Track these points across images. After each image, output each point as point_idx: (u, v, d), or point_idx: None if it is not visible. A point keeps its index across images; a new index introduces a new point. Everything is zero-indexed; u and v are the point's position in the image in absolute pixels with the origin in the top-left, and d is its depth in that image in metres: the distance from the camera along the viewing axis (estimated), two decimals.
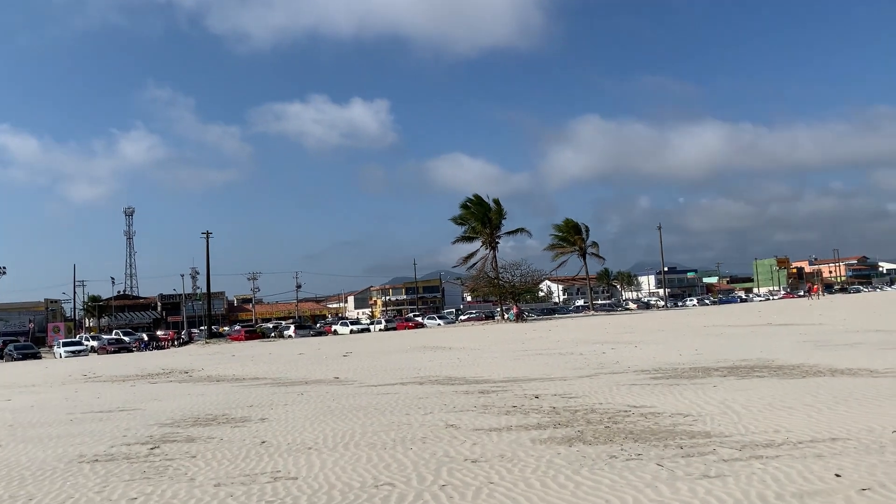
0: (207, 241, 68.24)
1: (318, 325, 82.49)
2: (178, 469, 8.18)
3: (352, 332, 64.86)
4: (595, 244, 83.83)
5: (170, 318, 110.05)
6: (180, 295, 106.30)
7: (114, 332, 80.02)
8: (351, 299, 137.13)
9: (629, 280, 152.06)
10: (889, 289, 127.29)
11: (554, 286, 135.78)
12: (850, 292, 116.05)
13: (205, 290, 72.27)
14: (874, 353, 16.83)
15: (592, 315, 74.00)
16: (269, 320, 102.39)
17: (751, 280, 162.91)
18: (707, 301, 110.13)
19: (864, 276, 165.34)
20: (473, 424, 10.00)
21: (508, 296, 70.19)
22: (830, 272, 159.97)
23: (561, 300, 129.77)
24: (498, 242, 68.99)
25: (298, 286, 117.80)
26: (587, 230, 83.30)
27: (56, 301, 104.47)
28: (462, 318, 78.88)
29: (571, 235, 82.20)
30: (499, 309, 73.27)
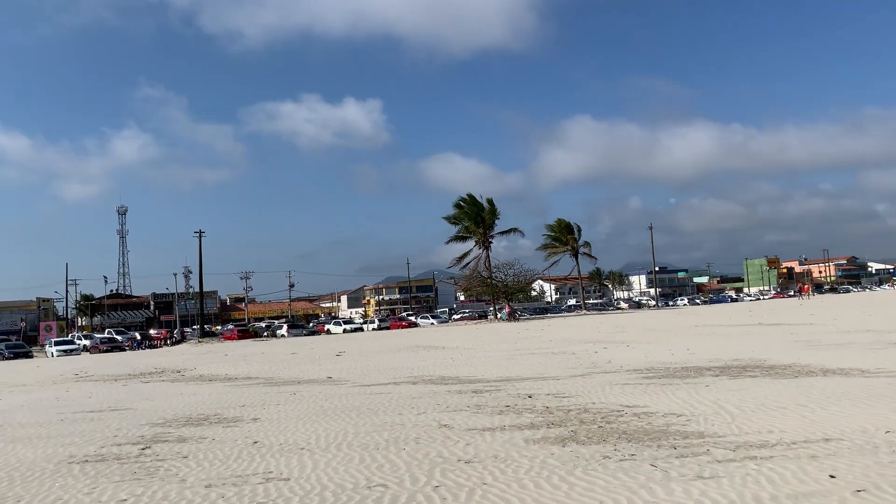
0: (200, 241, 68.09)
1: (311, 324, 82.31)
2: (169, 470, 8.12)
3: (345, 331, 64.70)
4: (587, 244, 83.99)
5: (162, 318, 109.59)
6: (173, 294, 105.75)
7: (106, 331, 79.67)
8: (344, 299, 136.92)
9: (620, 280, 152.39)
10: (878, 288, 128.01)
11: (546, 285, 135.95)
12: (839, 292, 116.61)
13: (198, 290, 72.04)
14: (865, 352, 16.88)
15: (584, 314, 74.10)
16: (261, 319, 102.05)
17: (741, 280, 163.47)
18: (698, 301, 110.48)
19: (854, 275, 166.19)
20: (467, 424, 9.97)
21: (501, 295, 70.23)
22: (820, 272, 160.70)
23: (553, 299, 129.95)
24: (491, 242, 69.02)
25: (291, 285, 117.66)
26: (579, 230, 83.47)
27: (48, 300, 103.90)
28: (455, 317, 78.88)
29: (564, 235, 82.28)
30: (492, 308, 73.28)
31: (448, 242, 70.62)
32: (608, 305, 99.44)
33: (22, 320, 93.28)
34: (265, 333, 66.61)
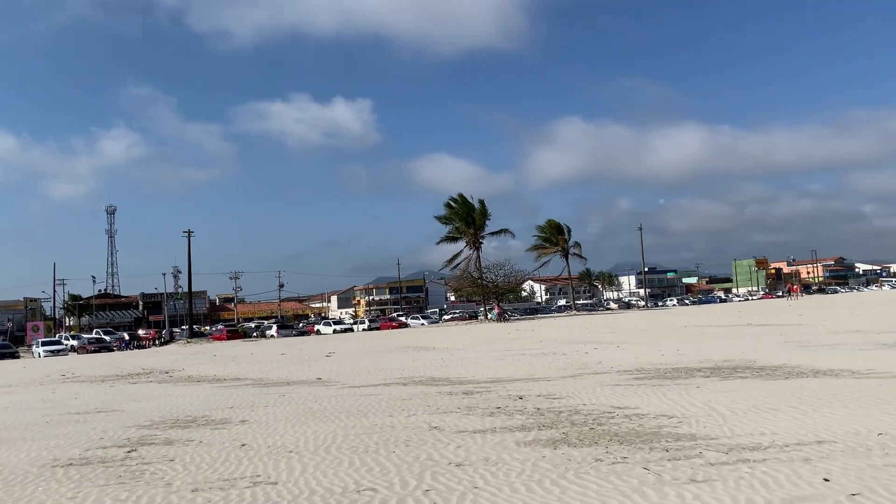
0: (189, 240, 67.80)
1: (300, 324, 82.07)
2: (154, 473, 7.99)
3: (335, 332, 64.49)
4: (577, 244, 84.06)
5: (151, 318, 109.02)
6: (162, 294, 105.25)
7: (94, 331, 79.11)
8: (334, 299, 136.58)
9: (610, 280, 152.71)
10: (865, 289, 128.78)
11: (536, 286, 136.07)
12: (827, 293, 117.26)
13: (187, 290, 71.68)
14: (855, 353, 16.90)
15: (574, 315, 74.20)
16: (251, 320, 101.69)
17: (730, 280, 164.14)
18: (687, 301, 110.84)
19: (841, 276, 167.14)
20: (457, 426, 9.89)
21: (492, 296, 70.20)
22: (808, 273, 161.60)
23: (543, 300, 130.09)
24: (482, 243, 69.00)
25: (281, 285, 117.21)
26: (569, 231, 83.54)
27: (35, 300, 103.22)
28: (446, 318, 78.80)
29: (554, 236, 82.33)
30: (482, 309, 73.26)
31: (439, 243, 70.67)
32: (598, 306, 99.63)
33: (9, 320, 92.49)
34: (254, 334, 66.37)
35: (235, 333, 63.61)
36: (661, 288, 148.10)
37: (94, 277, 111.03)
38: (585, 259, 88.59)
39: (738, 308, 64.19)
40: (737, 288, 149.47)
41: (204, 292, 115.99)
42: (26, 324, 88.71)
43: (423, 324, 70.50)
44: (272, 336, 62.46)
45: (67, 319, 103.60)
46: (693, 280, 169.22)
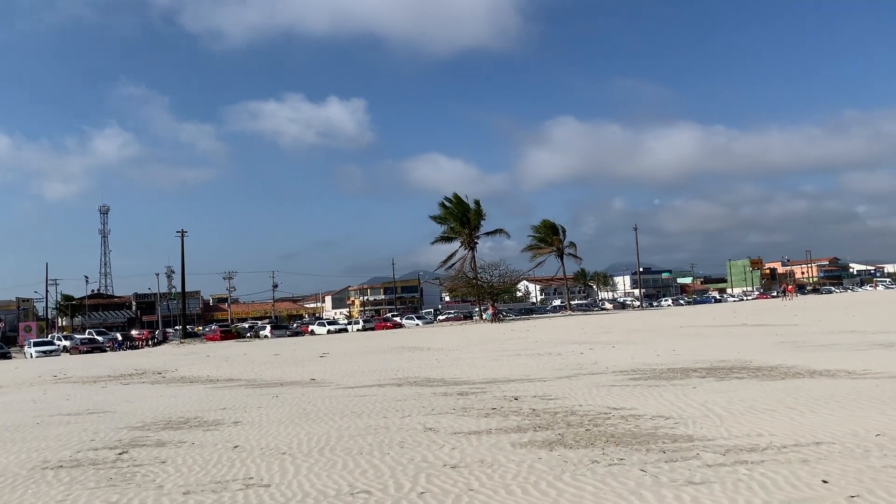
0: (182, 240, 67.51)
1: (294, 325, 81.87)
2: (146, 476, 7.89)
3: (329, 332, 64.36)
4: (573, 244, 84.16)
5: (145, 318, 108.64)
6: (155, 294, 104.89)
7: (87, 331, 78.78)
8: (328, 299, 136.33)
9: (605, 280, 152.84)
10: (859, 289, 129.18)
11: (531, 286, 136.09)
12: (822, 293, 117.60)
13: (180, 290, 71.41)
14: (851, 354, 16.88)
15: (569, 315, 74.19)
16: (245, 320, 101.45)
17: (724, 281, 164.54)
18: (682, 301, 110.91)
19: (836, 276, 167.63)
20: (452, 428, 9.80)
21: (487, 296, 70.14)
22: (803, 273, 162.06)
23: (538, 300, 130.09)
24: (476, 243, 68.96)
25: (275, 286, 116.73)
26: (564, 231, 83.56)
27: (28, 300, 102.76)
28: (440, 318, 78.71)
29: (549, 236, 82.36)
30: (477, 309, 73.20)
31: (434, 243, 70.64)
32: (593, 306, 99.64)
33: (1, 320, 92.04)
34: (248, 334, 66.18)
35: (229, 334, 63.41)
36: (655, 288, 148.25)
37: (86, 277, 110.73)
38: (580, 259, 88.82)
39: (733, 308, 64.27)
40: (731, 288, 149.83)
41: (197, 292, 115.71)
42: (18, 324, 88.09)
43: (417, 324, 70.42)
44: (266, 336, 62.28)
45: (60, 320, 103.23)
46: (688, 280, 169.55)
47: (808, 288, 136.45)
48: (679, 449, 7.65)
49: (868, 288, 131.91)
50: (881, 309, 42.50)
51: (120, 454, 9.23)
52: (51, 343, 56.60)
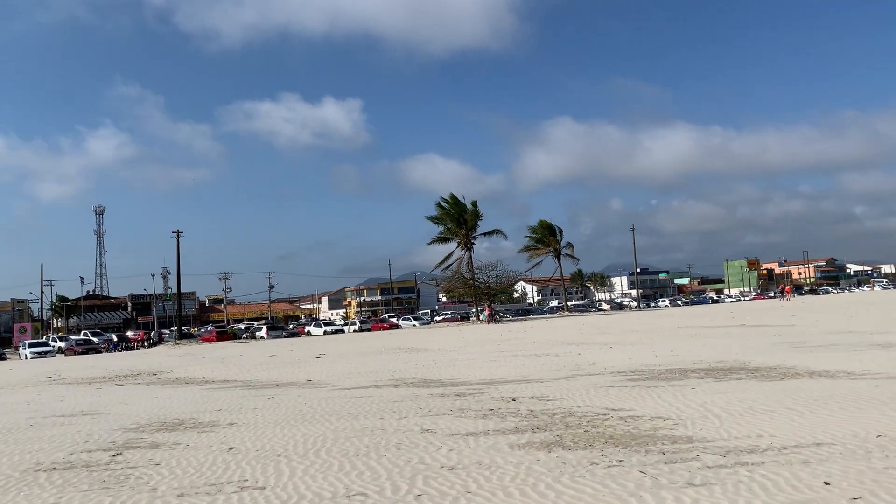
0: (178, 240, 67.35)
1: (291, 326, 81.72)
2: (140, 478, 7.79)
3: (325, 333, 64.21)
4: (570, 245, 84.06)
5: (140, 319, 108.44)
6: (151, 295, 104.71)
7: (82, 332, 78.54)
8: (325, 300, 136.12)
9: (602, 281, 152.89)
10: (857, 290, 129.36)
11: (528, 287, 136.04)
12: (819, 293, 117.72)
13: (176, 291, 71.23)
14: (850, 354, 16.83)
15: (567, 316, 74.13)
16: (241, 321, 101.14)
17: (722, 281, 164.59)
18: (679, 302, 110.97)
19: (833, 277, 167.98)
20: (449, 429, 9.72)
21: (484, 297, 70.04)
22: (800, 274, 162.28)
23: (535, 301, 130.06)
24: (473, 243, 68.81)
25: (271, 286, 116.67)
26: (561, 232, 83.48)
27: (23, 301, 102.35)
28: (437, 319, 78.59)
29: (546, 237, 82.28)
30: (474, 310, 73.10)
31: (430, 244, 70.51)
32: (590, 307, 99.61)
33: None
34: (244, 335, 65.97)
35: (225, 335, 63.23)
36: (652, 289, 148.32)
37: (82, 278, 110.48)
38: (578, 260, 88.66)
39: (731, 309, 64.28)
40: (728, 289, 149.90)
41: (193, 293, 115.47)
42: (13, 325, 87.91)
43: (414, 325, 70.29)
44: (262, 337, 62.11)
45: (55, 321, 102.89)
46: (685, 281, 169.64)
47: (806, 288, 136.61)
48: (678, 450, 7.58)
49: (865, 288, 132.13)
50: (879, 309, 42.51)
51: (114, 456, 9.13)
52: (46, 344, 56.36)
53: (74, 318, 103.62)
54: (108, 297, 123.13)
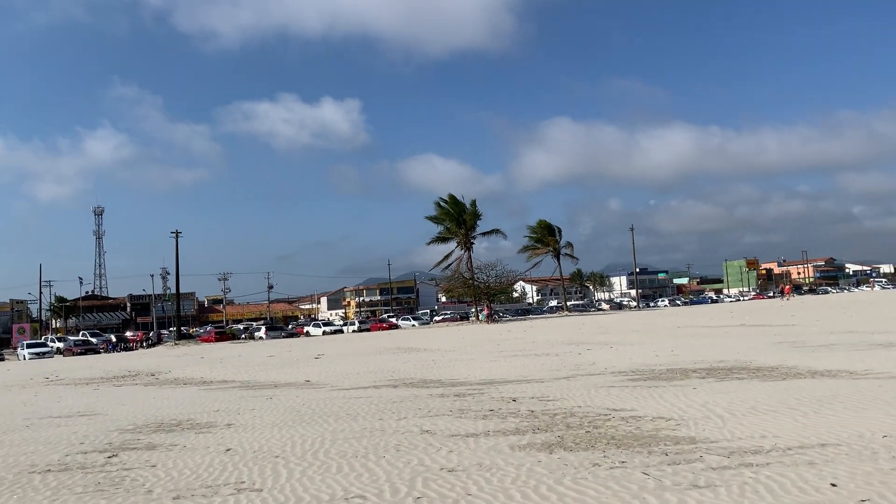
0: (177, 241, 67.23)
1: (290, 326, 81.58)
2: (135, 480, 7.69)
3: (324, 333, 64.09)
4: (569, 244, 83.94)
5: (139, 319, 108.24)
6: (150, 295, 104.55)
7: (81, 333, 78.38)
8: (324, 300, 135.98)
9: (601, 281, 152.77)
10: (856, 290, 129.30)
11: (528, 287, 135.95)
12: (818, 293, 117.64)
13: (175, 291, 71.11)
14: (851, 354, 16.73)
15: (566, 315, 74.03)
16: (240, 321, 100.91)
17: (721, 281, 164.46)
18: (679, 301, 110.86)
19: (832, 277, 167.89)
20: (449, 430, 9.61)
21: (483, 296, 69.92)
22: (799, 273, 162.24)
23: (535, 301, 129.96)
24: (473, 243, 68.67)
25: (270, 287, 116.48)
26: (560, 231, 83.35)
27: (22, 301, 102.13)
28: (437, 318, 78.45)
29: (545, 236, 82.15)
30: (474, 310, 72.97)
31: (430, 244, 70.39)
32: (590, 307, 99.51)
33: None
34: (243, 336, 65.84)
35: (224, 335, 63.08)
36: (652, 289, 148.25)
37: (80, 279, 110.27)
38: (577, 259, 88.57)
39: (730, 308, 64.18)
40: (728, 288, 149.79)
41: (192, 294, 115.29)
42: (12, 326, 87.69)
43: (413, 325, 70.19)
44: (261, 338, 61.98)
45: (54, 321, 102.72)
46: (684, 281, 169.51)
47: (805, 288, 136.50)
48: (681, 451, 7.47)
49: (865, 288, 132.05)
50: (879, 309, 42.42)
51: (109, 458, 9.02)
52: (44, 345, 56.20)
53: (73, 318, 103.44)
54: (107, 298, 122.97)
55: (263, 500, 6.62)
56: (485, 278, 68.76)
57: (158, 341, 68.16)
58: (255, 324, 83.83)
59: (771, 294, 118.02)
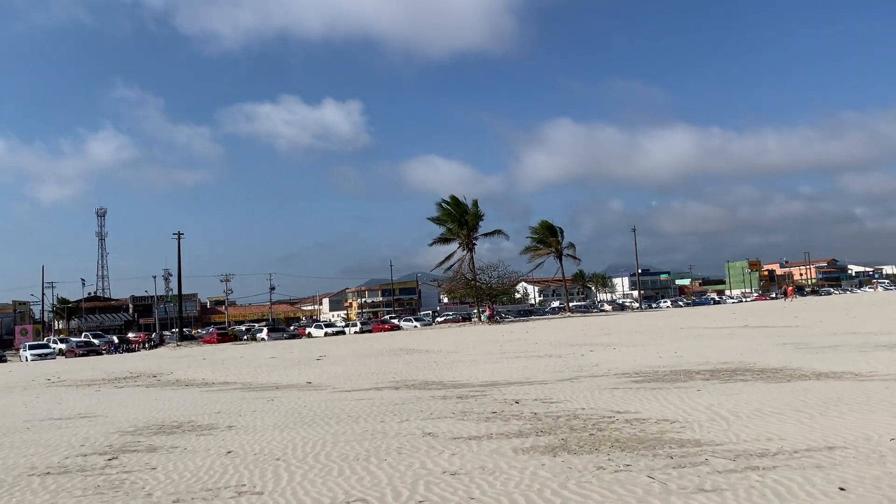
0: (179, 242, 67.17)
1: (291, 327, 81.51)
2: (135, 483, 7.62)
3: (326, 334, 64.04)
4: (572, 245, 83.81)
5: (142, 321, 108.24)
6: (152, 297, 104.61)
7: (83, 334, 78.40)
8: (326, 301, 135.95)
9: (603, 282, 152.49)
10: (859, 291, 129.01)
11: (530, 288, 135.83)
12: (821, 294, 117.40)
13: (177, 292, 71.11)
14: (856, 355, 16.62)
15: (569, 316, 73.90)
16: (242, 323, 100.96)
17: (723, 282, 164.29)
18: (681, 303, 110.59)
19: (834, 278, 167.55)
20: (452, 433, 9.53)
21: (485, 297, 69.81)
22: (801, 275, 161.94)
23: (537, 302, 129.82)
24: (475, 244, 68.57)
25: (272, 288, 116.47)
26: (562, 232, 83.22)
27: (24, 303, 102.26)
28: (439, 319, 78.34)
29: (547, 237, 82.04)
30: (476, 311, 72.89)
31: (431, 245, 70.28)
32: (592, 308, 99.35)
33: None
34: (245, 337, 65.82)
35: (226, 336, 63.07)
36: (654, 290, 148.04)
37: (83, 280, 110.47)
38: (579, 260, 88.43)
39: (733, 310, 64.00)
40: (730, 290, 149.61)
41: (194, 295, 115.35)
42: (15, 327, 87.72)
43: (415, 326, 70.12)
44: (263, 339, 61.95)
45: (57, 323, 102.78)
46: (686, 282, 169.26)
47: (807, 289, 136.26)
48: (687, 454, 7.39)
49: (868, 289, 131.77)
50: (882, 310, 42.25)
51: (109, 460, 8.96)
52: (46, 346, 56.18)
53: (76, 320, 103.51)
54: (109, 299, 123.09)
55: (264, 502, 6.56)
56: (487, 279, 68.70)
57: (160, 342, 68.11)
58: (257, 325, 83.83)
59: (773, 295, 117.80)
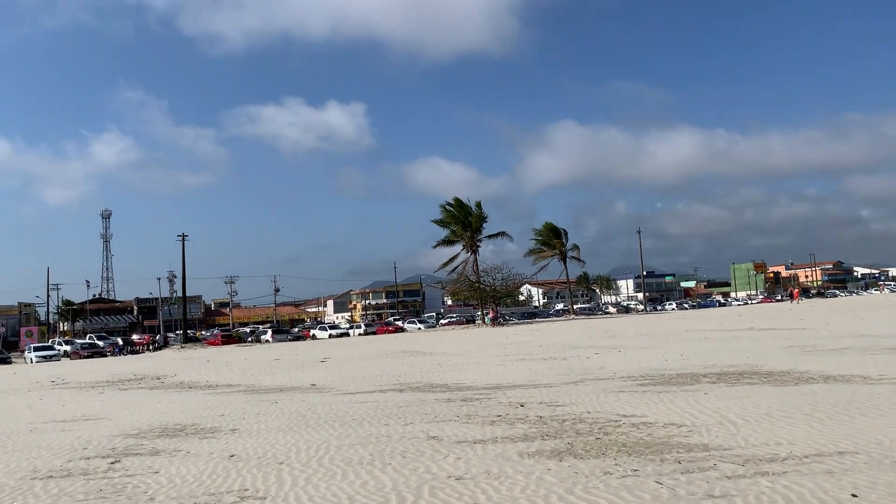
0: (183, 244, 67.20)
1: (296, 329, 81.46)
2: (137, 487, 7.55)
3: (330, 336, 63.99)
4: (576, 247, 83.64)
5: (146, 323, 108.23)
6: (157, 299, 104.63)
7: (88, 336, 78.48)
8: (330, 303, 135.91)
9: (608, 284, 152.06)
10: (864, 293, 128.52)
11: (534, 290, 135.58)
12: (827, 297, 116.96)
13: (182, 294, 71.15)
14: (864, 358, 16.49)
15: (573, 319, 73.73)
16: (246, 325, 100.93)
17: (728, 284, 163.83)
18: (686, 305, 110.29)
19: (840, 280, 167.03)
20: (456, 436, 9.44)
21: (489, 300, 69.67)
22: (807, 277, 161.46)
23: (541, 304, 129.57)
24: (479, 246, 68.49)
25: (277, 290, 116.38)
26: (566, 234, 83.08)
27: (29, 305, 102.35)
28: (443, 322, 78.21)
29: (551, 239, 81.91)
30: (480, 313, 72.76)
31: (436, 247, 70.25)
32: (596, 310, 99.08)
33: (2, 326, 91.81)
34: (249, 339, 65.78)
35: (230, 338, 63.05)
36: (659, 292, 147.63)
37: (88, 282, 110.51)
38: (583, 262, 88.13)
39: (739, 312, 63.77)
40: (735, 292, 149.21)
41: (199, 297, 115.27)
42: (20, 329, 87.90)
43: (419, 328, 70.03)
44: (267, 341, 61.91)
45: (62, 325, 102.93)
46: (691, 284, 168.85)
47: (813, 292, 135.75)
48: (695, 459, 7.29)
49: (874, 291, 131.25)
50: (889, 313, 42.04)
51: (112, 463, 8.90)
52: (51, 348, 56.24)
53: (80, 321, 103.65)
54: (114, 301, 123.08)
55: None
56: (491, 281, 68.54)
57: (165, 344, 68.17)
58: (261, 327, 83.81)
59: (779, 297, 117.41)
